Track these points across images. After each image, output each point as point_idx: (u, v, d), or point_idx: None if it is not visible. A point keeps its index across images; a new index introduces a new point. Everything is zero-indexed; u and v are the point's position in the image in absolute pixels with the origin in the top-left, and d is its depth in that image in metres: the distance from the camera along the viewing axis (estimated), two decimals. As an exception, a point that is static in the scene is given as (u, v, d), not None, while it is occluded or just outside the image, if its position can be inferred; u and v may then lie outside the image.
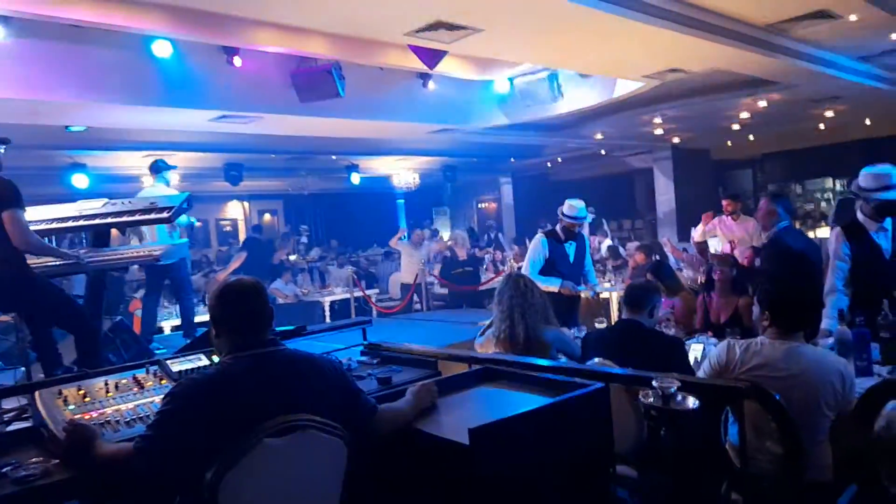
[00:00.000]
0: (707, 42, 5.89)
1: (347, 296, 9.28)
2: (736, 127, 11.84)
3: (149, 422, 2.21)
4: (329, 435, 1.84)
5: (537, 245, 5.07)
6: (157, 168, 6.38)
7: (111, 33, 5.65)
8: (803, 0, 5.53)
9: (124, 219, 3.83)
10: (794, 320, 2.47)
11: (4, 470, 2.06)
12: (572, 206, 5.13)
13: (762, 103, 9.35)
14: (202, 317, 7.34)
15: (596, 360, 2.83)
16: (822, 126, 12.02)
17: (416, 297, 9.37)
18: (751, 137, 13.20)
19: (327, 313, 9.08)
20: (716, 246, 6.37)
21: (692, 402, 1.90)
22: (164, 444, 1.76)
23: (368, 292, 9.60)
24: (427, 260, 10.43)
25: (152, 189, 6.23)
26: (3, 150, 3.44)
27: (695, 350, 3.39)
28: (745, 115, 10.50)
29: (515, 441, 1.98)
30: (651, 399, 1.94)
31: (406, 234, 10.55)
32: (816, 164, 13.50)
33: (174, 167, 6.73)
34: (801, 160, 13.55)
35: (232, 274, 9.40)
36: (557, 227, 5.23)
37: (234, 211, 16.48)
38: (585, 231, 6.00)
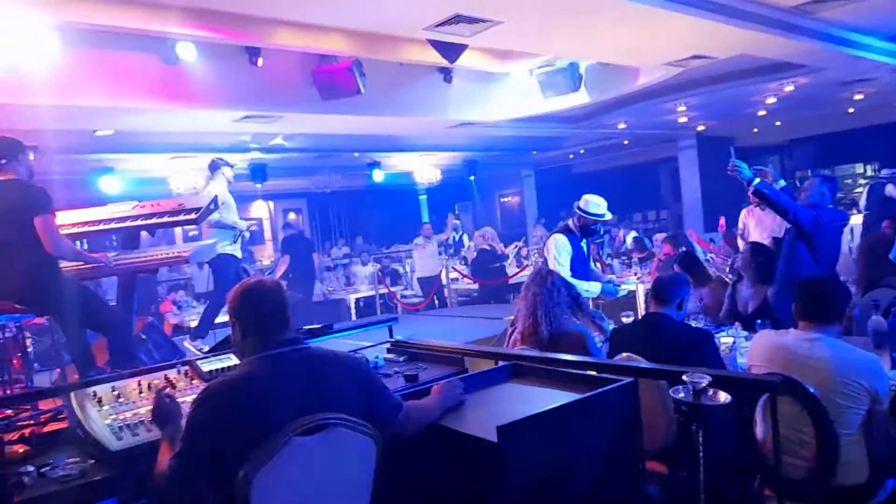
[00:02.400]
0: (731, 27, 5.77)
1: (373, 293, 9.33)
2: (762, 113, 11.62)
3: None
4: (359, 433, 1.85)
5: (565, 245, 4.73)
6: (215, 166, 6.24)
7: (136, 37, 5.73)
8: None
9: (153, 221, 3.90)
10: (825, 311, 2.42)
11: (44, 470, 2.12)
12: (595, 203, 4.83)
13: (789, 88, 9.16)
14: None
15: (623, 354, 2.80)
16: (851, 109, 11.75)
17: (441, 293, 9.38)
18: (777, 123, 12.95)
19: (353, 311, 9.14)
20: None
21: (724, 396, 1.88)
22: (194, 452, 1.79)
23: (393, 289, 9.63)
24: (450, 252, 10.46)
25: (212, 188, 6.09)
26: (32, 157, 3.52)
27: (724, 342, 3.34)
28: (771, 100, 10.30)
29: (544, 438, 1.97)
30: (681, 394, 1.91)
31: (432, 230, 10.56)
32: (846, 149, 13.19)
33: (231, 164, 6.39)
34: (831, 145, 13.26)
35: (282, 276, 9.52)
36: (571, 223, 4.91)
37: (259, 210, 16.64)
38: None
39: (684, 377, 1.92)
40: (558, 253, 4.72)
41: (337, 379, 1.94)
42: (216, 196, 4.04)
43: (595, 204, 4.81)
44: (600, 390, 2.13)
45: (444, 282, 9.34)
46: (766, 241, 5.48)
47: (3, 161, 3.42)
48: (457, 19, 5.12)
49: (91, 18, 4.86)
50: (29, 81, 5.66)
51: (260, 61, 6.49)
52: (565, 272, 4.58)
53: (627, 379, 2.20)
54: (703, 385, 1.87)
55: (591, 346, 3.38)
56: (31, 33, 5.13)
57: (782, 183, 4.44)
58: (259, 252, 15.15)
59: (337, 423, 1.80)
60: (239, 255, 6.13)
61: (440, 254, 11.39)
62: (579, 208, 4.85)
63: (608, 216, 4.99)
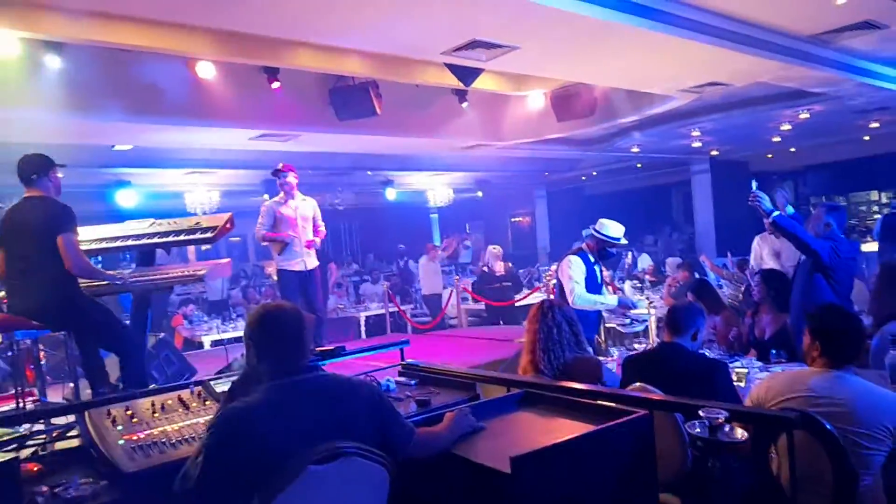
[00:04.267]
0: (748, 55, 5.79)
1: (382, 311, 9.33)
2: (777, 139, 11.61)
3: (192, 445, 2.26)
4: (372, 462, 1.84)
5: (579, 265, 4.73)
6: (278, 175, 6.01)
7: (156, 56, 5.84)
8: (848, 11, 5.39)
9: (170, 239, 3.93)
10: (846, 350, 2.39)
11: (56, 490, 2.12)
12: (612, 227, 4.82)
13: (804, 115, 9.15)
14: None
15: (637, 384, 2.78)
16: (867, 137, 11.71)
17: (451, 313, 9.36)
18: (792, 149, 12.92)
19: (363, 328, 9.13)
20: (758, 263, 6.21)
21: (741, 433, 1.86)
22: (208, 476, 1.78)
23: (403, 307, 9.63)
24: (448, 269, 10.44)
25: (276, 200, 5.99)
26: (61, 175, 3.57)
27: (738, 373, 3.30)
28: (786, 126, 10.29)
29: (558, 470, 1.95)
30: (698, 429, 1.89)
31: (436, 249, 10.58)
32: (861, 176, 13.14)
33: (285, 172, 5.98)
34: (846, 172, 13.21)
35: None
36: (585, 245, 4.92)
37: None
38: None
39: (701, 412, 1.90)
40: (572, 272, 4.72)
41: (351, 406, 1.93)
42: (232, 215, 4.07)
43: (612, 227, 4.83)
44: (615, 423, 2.11)
45: (454, 301, 9.34)
46: (780, 268, 5.46)
47: (34, 177, 3.48)
48: (474, 45, 5.18)
49: (116, 39, 4.95)
50: (55, 97, 5.78)
51: (276, 83, 6.58)
52: (580, 289, 4.63)
53: (642, 411, 2.18)
54: (720, 420, 1.85)
55: (606, 372, 3.34)
56: (58, 51, 5.25)
57: (790, 210, 4.43)
58: (269, 266, 15.19)
59: (351, 451, 1.79)
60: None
61: (450, 272, 11.42)
62: (596, 231, 4.86)
63: (624, 241, 5.00)
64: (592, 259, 4.86)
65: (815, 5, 5.27)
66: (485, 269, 9.23)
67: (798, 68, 6.34)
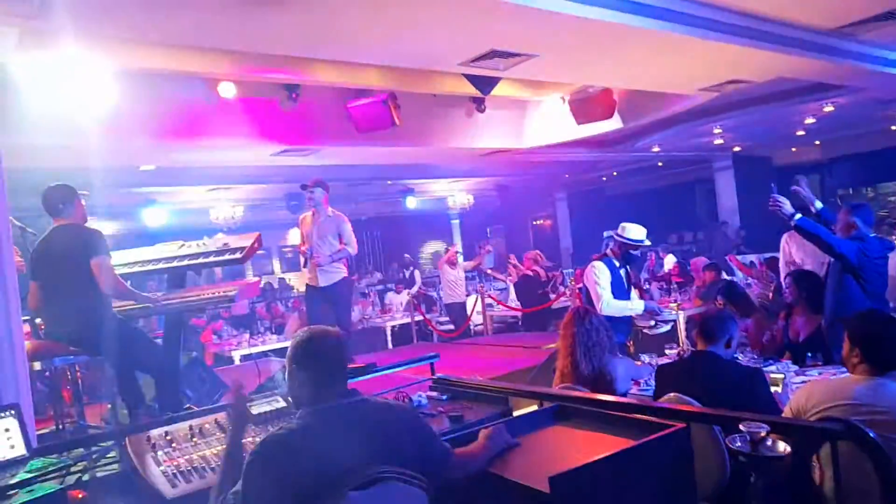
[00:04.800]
0: (768, 52, 5.72)
1: (408, 320, 9.35)
2: (801, 132, 11.43)
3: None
4: (411, 486, 1.85)
5: (604, 270, 4.72)
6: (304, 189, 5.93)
7: (178, 77, 5.94)
8: (870, 2, 5.31)
9: (199, 261, 3.99)
10: (887, 356, 2.34)
11: (101, 519, 2.16)
12: (634, 230, 4.82)
13: (829, 108, 9.01)
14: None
15: (671, 395, 2.75)
16: (893, 127, 11.48)
17: (475, 321, 9.35)
18: (816, 142, 12.71)
19: (389, 338, 9.16)
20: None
21: (783, 447, 1.83)
22: (249, 501, 1.80)
23: (428, 316, 9.64)
24: (476, 277, 10.38)
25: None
26: (84, 202, 3.65)
27: (774, 378, 3.25)
28: (810, 120, 10.14)
29: (597, 487, 1.94)
30: (738, 444, 1.87)
31: (462, 255, 10.55)
32: (888, 167, 12.87)
33: (311, 189, 5.88)
34: (872, 163, 12.96)
35: None
36: (609, 251, 4.90)
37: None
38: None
39: (741, 426, 1.87)
40: (598, 277, 4.71)
41: (390, 431, 1.94)
42: (259, 235, 4.12)
43: (633, 230, 4.81)
44: (654, 437, 2.08)
45: (479, 308, 9.32)
46: (810, 266, 5.36)
47: (61, 206, 3.56)
48: (492, 54, 5.18)
49: (142, 63, 5.06)
50: (82, 123, 5.90)
51: (295, 99, 6.64)
52: (607, 296, 4.62)
53: (680, 424, 2.15)
54: (762, 434, 1.83)
55: (627, 381, 3.35)
56: (85, 77, 5.36)
57: (819, 204, 4.32)
58: (296, 279, 15.34)
59: (391, 476, 1.80)
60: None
61: (474, 279, 11.39)
62: (618, 235, 4.85)
63: (647, 242, 4.98)
64: (618, 264, 4.83)
65: (836, -2, 5.20)
66: (529, 273, 9.14)
67: (820, 62, 6.24)
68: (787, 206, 3.92)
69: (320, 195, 5.87)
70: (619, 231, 4.84)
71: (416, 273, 12.59)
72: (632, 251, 4.84)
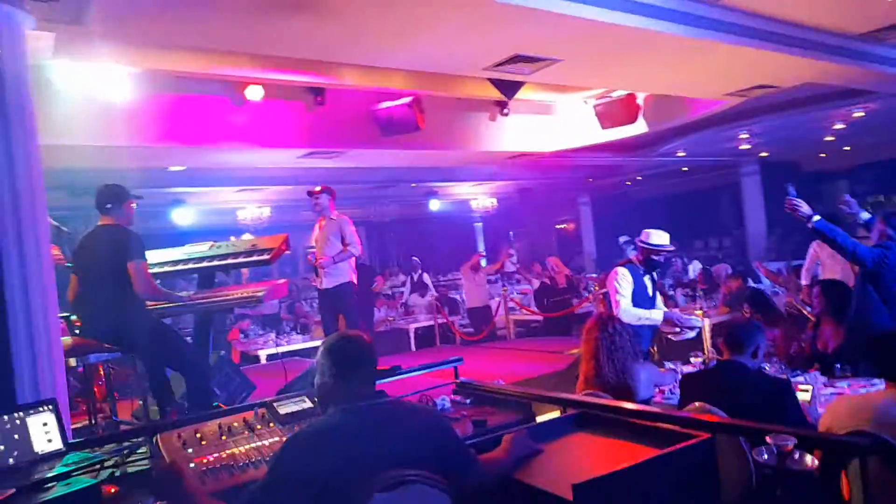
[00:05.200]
0: (795, 57, 5.66)
1: (431, 323, 9.38)
2: (830, 138, 11.26)
3: (259, 468, 2.34)
4: (437, 489, 1.87)
5: (626, 277, 4.65)
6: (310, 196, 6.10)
7: (207, 81, 6.05)
8: (899, 7, 5.24)
9: (228, 261, 4.07)
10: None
11: (131, 516, 2.21)
12: (656, 234, 4.71)
13: (859, 113, 8.87)
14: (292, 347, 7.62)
15: (696, 404, 2.74)
16: (925, 134, 11.23)
17: (498, 324, 9.36)
18: (846, 148, 12.50)
19: (412, 340, 9.20)
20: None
21: (810, 460, 1.82)
22: (276, 499, 1.84)
23: (451, 318, 9.66)
24: (498, 280, 10.35)
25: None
26: (135, 205, 3.75)
27: (802, 392, 3.21)
28: (839, 125, 9.98)
29: (620, 496, 1.95)
30: (765, 456, 1.86)
31: (485, 259, 10.56)
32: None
33: (317, 195, 6.08)
34: (903, 170, 12.69)
35: None
36: (634, 257, 4.81)
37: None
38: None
39: (768, 438, 1.86)
40: (619, 284, 4.66)
41: (416, 433, 1.97)
42: (287, 236, 4.18)
43: (656, 235, 4.72)
44: (679, 447, 2.08)
45: (501, 311, 9.33)
46: (839, 275, 5.28)
47: (109, 206, 3.66)
48: (516, 59, 5.20)
49: (171, 66, 5.17)
50: (115, 125, 6.05)
51: (323, 101, 6.71)
52: (626, 303, 4.56)
53: (705, 435, 2.15)
54: (790, 447, 1.82)
55: (650, 385, 3.35)
56: (118, 80, 5.50)
57: (866, 215, 4.22)
58: (314, 281, 15.45)
59: (417, 479, 1.82)
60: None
61: (497, 282, 11.38)
62: (641, 241, 4.77)
63: (670, 246, 4.89)
64: (642, 271, 4.75)
65: (864, 3, 5.13)
66: (546, 280, 9.14)
67: (847, 67, 6.16)
68: (805, 207, 3.82)
69: (325, 200, 6.03)
70: (642, 236, 4.77)
71: (426, 276, 12.49)
72: (654, 256, 4.75)
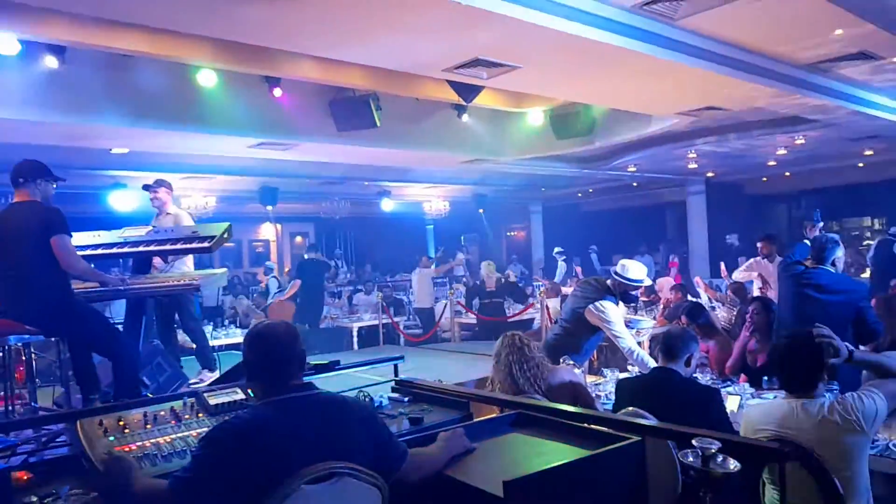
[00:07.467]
0: (746, 81, 5.87)
1: (375, 322, 9.32)
2: (772, 163, 11.72)
3: (185, 458, 2.25)
4: (365, 482, 1.84)
5: (615, 312, 4.28)
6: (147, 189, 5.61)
7: (157, 62, 5.86)
8: (844, 41, 5.48)
9: (167, 247, 3.93)
10: (792, 378, 2.45)
11: (46, 500, 2.10)
12: (634, 268, 4.41)
13: (800, 140, 9.25)
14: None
15: (629, 409, 2.79)
16: (861, 164, 11.83)
17: (443, 326, 9.37)
18: (787, 174, 13.03)
19: (355, 339, 9.11)
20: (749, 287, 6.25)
21: (733, 464, 1.86)
22: (197, 488, 1.78)
23: (396, 319, 9.62)
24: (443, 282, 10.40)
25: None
26: (55, 186, 3.57)
27: (731, 402, 3.31)
28: (781, 151, 10.40)
29: (551, 495, 1.96)
30: (690, 458, 1.90)
31: (436, 263, 10.59)
32: (855, 203, 13.24)
33: (154, 188, 5.61)
34: (840, 198, 13.31)
35: (290, 299, 9.56)
36: (610, 284, 4.40)
37: (267, 232, 16.74)
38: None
39: (694, 441, 1.90)
40: (612, 318, 4.28)
41: (345, 426, 1.93)
42: (230, 225, 4.07)
43: (633, 269, 4.43)
44: (609, 448, 2.11)
45: (447, 314, 9.34)
46: (770, 294, 5.49)
47: (21, 181, 3.47)
48: (476, 63, 5.22)
49: (117, 44, 4.97)
50: (50, 100, 5.79)
51: (278, 91, 6.59)
52: (630, 342, 4.28)
53: (635, 437, 2.19)
54: (713, 451, 1.86)
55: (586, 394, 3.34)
56: (55, 55, 5.27)
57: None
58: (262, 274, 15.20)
59: (345, 472, 1.79)
60: None
61: (444, 283, 11.42)
62: (616, 273, 4.43)
63: (647, 281, 4.74)
64: (616, 300, 4.40)
65: (814, 35, 5.35)
66: (477, 282, 9.25)
67: (794, 95, 6.43)
68: (837, 341, 2.64)
69: (164, 196, 5.56)
70: (619, 269, 4.45)
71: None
72: (631, 292, 4.50)
